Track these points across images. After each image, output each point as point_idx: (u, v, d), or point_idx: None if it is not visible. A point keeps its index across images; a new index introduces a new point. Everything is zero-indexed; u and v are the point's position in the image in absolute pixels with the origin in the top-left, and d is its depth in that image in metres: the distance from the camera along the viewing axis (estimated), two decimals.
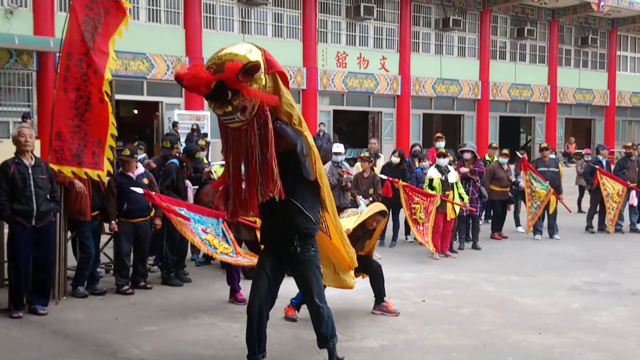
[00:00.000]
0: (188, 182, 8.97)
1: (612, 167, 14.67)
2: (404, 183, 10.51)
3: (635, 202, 13.83)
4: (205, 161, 10.23)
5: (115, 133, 7.78)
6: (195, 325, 6.82)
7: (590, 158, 15.85)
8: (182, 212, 7.27)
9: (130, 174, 8.19)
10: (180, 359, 5.84)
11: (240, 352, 5.52)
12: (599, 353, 6.05)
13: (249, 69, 4.37)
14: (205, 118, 20.66)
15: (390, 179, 10.46)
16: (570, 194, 16.32)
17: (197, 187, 9.41)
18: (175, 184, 8.63)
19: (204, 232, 7.30)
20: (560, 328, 6.80)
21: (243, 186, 4.86)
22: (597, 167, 13.66)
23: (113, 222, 8.11)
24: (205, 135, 19.01)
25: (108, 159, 7.65)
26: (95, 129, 7.55)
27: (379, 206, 7.17)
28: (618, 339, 6.50)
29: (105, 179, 7.83)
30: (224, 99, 4.46)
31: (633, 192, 13.69)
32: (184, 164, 8.94)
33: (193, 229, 7.23)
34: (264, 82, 4.59)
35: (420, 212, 10.30)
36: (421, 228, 10.37)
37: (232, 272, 7.75)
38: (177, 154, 9.27)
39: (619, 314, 7.45)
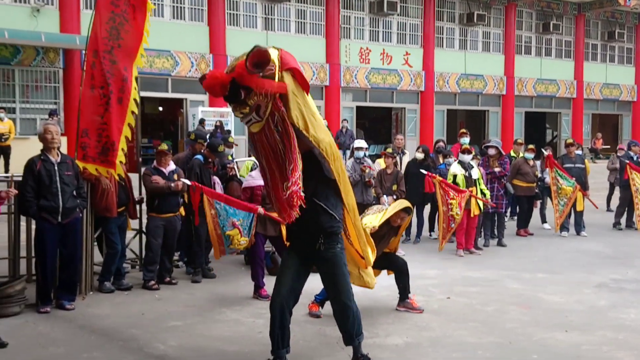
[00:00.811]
0: (216, 179, 8.98)
1: None
2: (441, 178, 10.40)
3: None
4: (230, 158, 10.25)
5: (130, 136, 7.73)
6: (219, 321, 6.85)
7: (623, 154, 15.62)
8: (218, 207, 7.59)
9: (163, 169, 8.28)
10: (204, 355, 5.87)
11: (264, 348, 5.53)
12: (626, 351, 5.97)
13: (257, 57, 4.39)
14: (229, 115, 20.72)
15: (430, 174, 10.36)
16: (598, 190, 16.13)
17: (223, 184, 9.43)
18: (199, 179, 8.66)
19: (234, 225, 7.47)
20: (587, 326, 6.73)
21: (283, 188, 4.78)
22: (628, 162, 13.46)
23: (168, 182, 8.19)
24: (229, 132, 19.07)
25: (120, 161, 7.62)
26: (112, 130, 7.52)
27: (404, 203, 7.10)
28: None
29: (116, 176, 7.78)
30: (239, 98, 4.51)
31: None
32: (209, 160, 8.97)
33: (220, 223, 7.45)
34: (277, 79, 4.61)
35: (456, 207, 10.17)
36: (453, 225, 10.23)
37: (256, 268, 7.78)
38: (202, 150, 9.30)
39: None
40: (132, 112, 7.67)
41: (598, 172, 18.09)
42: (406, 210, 6.96)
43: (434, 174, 10.45)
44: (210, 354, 5.89)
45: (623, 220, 13.71)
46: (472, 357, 5.81)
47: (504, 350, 6.00)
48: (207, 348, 6.02)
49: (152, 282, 8.15)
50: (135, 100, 7.70)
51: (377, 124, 28.97)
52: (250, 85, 4.46)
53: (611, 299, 7.87)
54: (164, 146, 8.48)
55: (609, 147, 29.45)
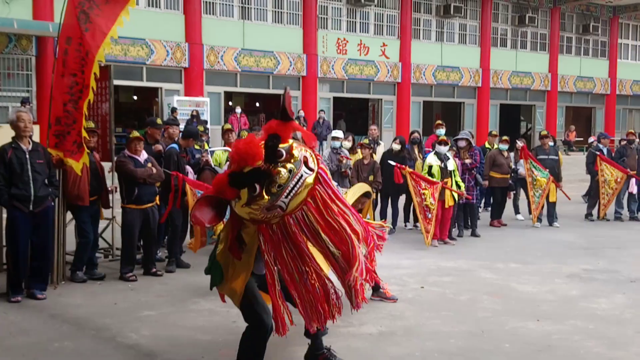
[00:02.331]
0: (189, 168, 8.93)
1: (612, 155, 14.62)
2: (411, 170, 10.46)
3: (634, 190, 13.79)
4: (207, 147, 10.20)
5: (81, 119, 7.50)
6: (193, 311, 6.82)
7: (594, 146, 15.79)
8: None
9: (137, 157, 8.14)
10: (178, 344, 5.83)
11: (238, 337, 5.50)
12: (597, 340, 6.05)
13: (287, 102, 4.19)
14: (205, 104, 20.59)
15: (398, 165, 10.39)
16: (570, 182, 16.31)
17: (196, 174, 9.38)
18: (178, 168, 8.60)
19: None
20: (558, 315, 6.80)
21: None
22: (598, 153, 13.64)
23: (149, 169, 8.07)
24: (205, 122, 18.94)
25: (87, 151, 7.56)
26: (81, 118, 7.42)
27: (364, 187, 7.04)
28: (616, 326, 6.50)
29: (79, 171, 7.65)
30: (278, 157, 4.07)
31: (633, 180, 13.65)
32: (184, 149, 8.91)
33: None
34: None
35: (429, 197, 10.22)
36: (430, 215, 10.25)
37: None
38: (176, 139, 9.23)
39: (617, 301, 7.45)
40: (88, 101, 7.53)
41: (571, 164, 18.30)
42: (366, 195, 6.92)
43: (403, 165, 10.48)
44: (184, 343, 5.86)
45: (595, 211, 13.88)
46: (445, 346, 5.85)
47: (477, 339, 6.05)
48: (181, 337, 5.99)
49: (130, 274, 8.05)
50: (92, 88, 7.52)
51: (354, 115, 28.97)
52: (286, 136, 4.14)
53: (582, 289, 7.96)
54: (136, 133, 8.33)
55: (582, 139, 29.78)
